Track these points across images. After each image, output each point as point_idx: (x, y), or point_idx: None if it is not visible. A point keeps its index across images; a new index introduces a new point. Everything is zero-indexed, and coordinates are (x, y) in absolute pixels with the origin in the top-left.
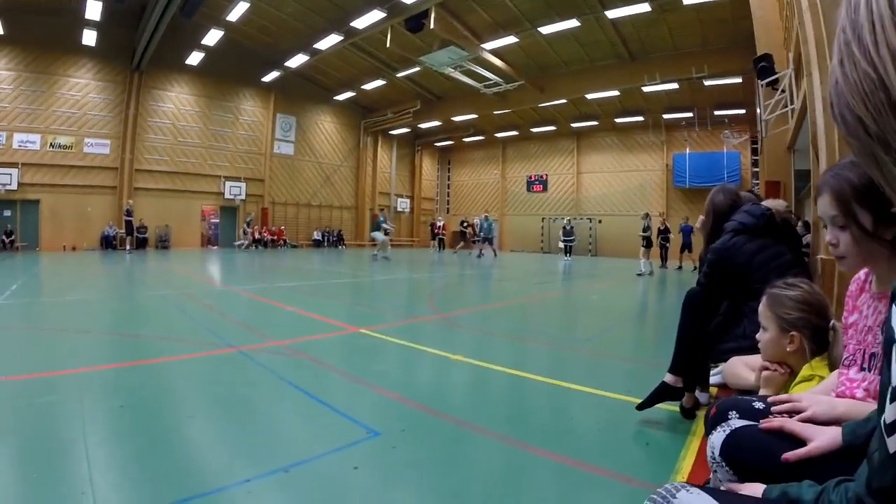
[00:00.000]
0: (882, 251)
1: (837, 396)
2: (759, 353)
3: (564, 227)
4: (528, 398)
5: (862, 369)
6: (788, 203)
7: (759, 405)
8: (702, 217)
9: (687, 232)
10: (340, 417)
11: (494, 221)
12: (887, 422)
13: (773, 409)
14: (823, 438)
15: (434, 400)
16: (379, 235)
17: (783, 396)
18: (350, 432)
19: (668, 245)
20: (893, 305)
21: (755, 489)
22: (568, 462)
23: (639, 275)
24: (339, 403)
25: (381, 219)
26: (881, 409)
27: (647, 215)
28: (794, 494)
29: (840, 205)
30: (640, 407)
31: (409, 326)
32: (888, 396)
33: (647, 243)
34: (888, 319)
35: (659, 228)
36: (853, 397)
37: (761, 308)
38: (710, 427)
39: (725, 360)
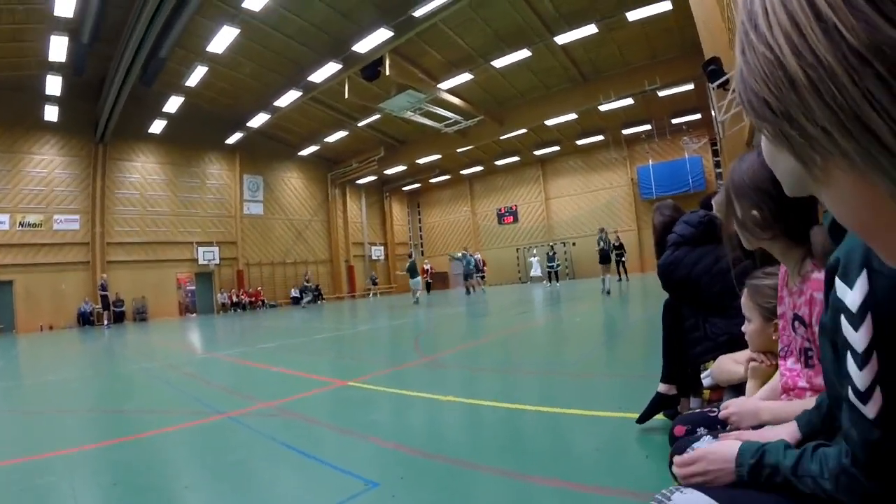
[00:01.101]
0: (772, 246)
1: (782, 388)
2: (730, 351)
3: (548, 254)
4: (522, 428)
5: (798, 361)
6: None
7: (712, 414)
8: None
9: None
10: (337, 472)
11: (470, 255)
12: (861, 390)
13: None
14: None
15: (429, 443)
16: (418, 282)
17: (726, 404)
18: (348, 486)
19: (623, 260)
20: (836, 279)
21: (732, 445)
22: (570, 486)
23: (606, 293)
24: (334, 458)
25: (413, 262)
26: (835, 387)
27: (601, 230)
28: (772, 460)
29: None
30: (640, 421)
31: (396, 374)
32: (856, 364)
33: (602, 259)
34: (832, 293)
35: (613, 244)
36: (796, 386)
37: (743, 300)
38: (677, 450)
39: (702, 365)
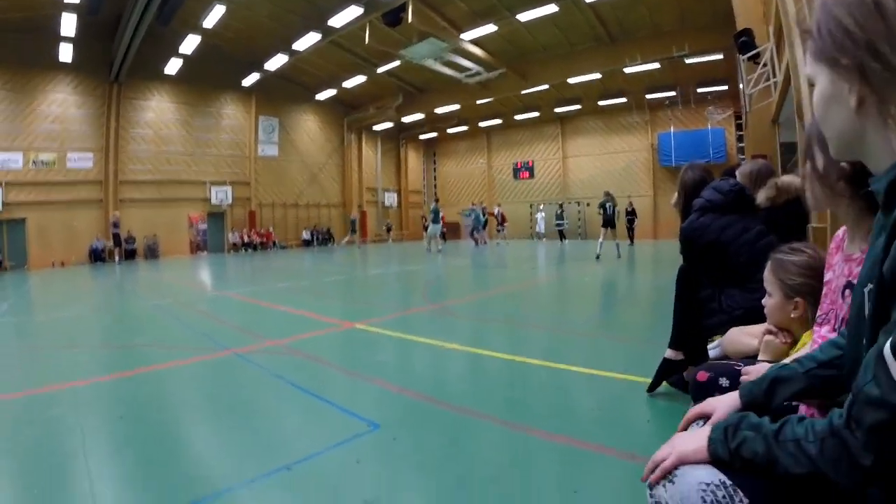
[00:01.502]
0: (849, 207)
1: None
2: (743, 324)
3: (556, 213)
4: (526, 382)
5: (834, 329)
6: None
7: (738, 367)
8: (675, 195)
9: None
10: (340, 412)
11: (480, 209)
12: None
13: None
14: (722, 407)
15: (433, 389)
16: (437, 229)
17: (747, 369)
18: (350, 427)
19: (633, 226)
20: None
21: (703, 430)
22: (571, 442)
23: (597, 257)
24: (337, 398)
25: (436, 209)
26: (858, 345)
27: (607, 194)
28: (754, 421)
29: None
30: (650, 389)
31: (402, 318)
32: None
33: (605, 222)
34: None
35: (626, 210)
36: None
37: (766, 273)
38: (697, 393)
39: (711, 336)
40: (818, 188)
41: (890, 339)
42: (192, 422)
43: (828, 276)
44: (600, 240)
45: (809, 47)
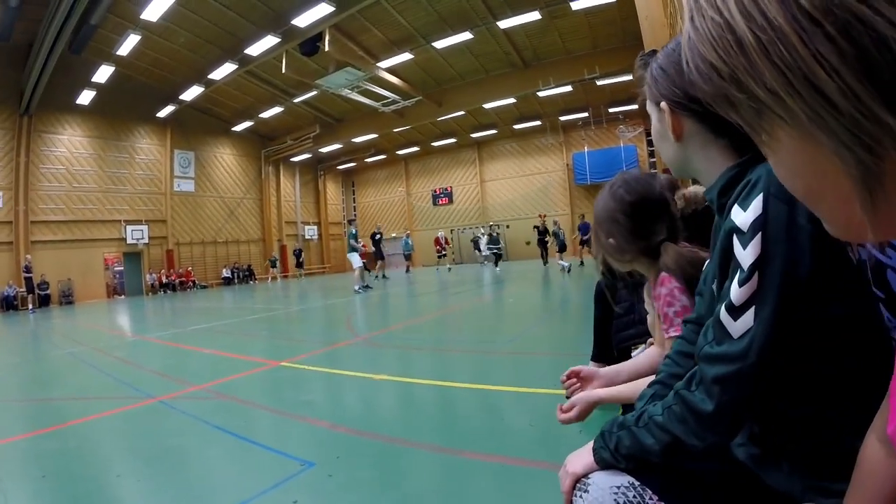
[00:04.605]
0: (634, 266)
1: None
2: None
3: (491, 235)
4: (456, 406)
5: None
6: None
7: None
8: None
9: (584, 229)
10: (272, 454)
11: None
12: (735, 304)
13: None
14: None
15: (364, 422)
16: (356, 259)
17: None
18: (284, 467)
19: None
20: (734, 207)
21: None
22: (505, 461)
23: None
24: (268, 440)
25: (353, 232)
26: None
27: (555, 223)
28: (619, 421)
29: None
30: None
31: (330, 353)
32: (737, 282)
33: (560, 247)
34: (725, 221)
35: (538, 228)
36: None
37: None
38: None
39: (632, 346)
40: (610, 259)
41: (723, 304)
42: (120, 476)
43: (650, 318)
44: (562, 261)
45: (645, 92)
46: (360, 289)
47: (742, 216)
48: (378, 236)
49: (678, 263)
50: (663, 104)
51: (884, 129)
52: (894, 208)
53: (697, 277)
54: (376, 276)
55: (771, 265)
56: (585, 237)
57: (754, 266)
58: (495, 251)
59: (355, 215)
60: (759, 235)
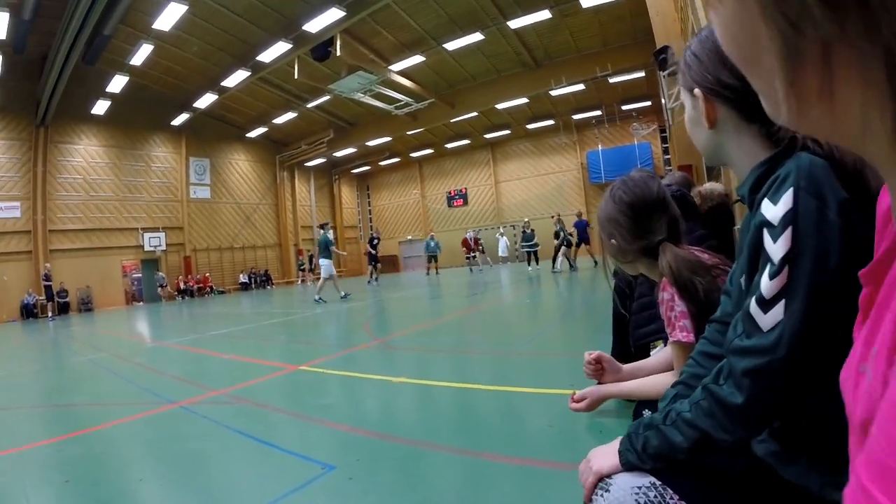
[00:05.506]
0: (638, 266)
1: None
2: None
3: (524, 232)
4: (476, 408)
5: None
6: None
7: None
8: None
9: (581, 227)
10: (293, 457)
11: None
12: (766, 297)
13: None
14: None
15: (383, 425)
16: (327, 266)
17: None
18: (305, 471)
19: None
20: (763, 201)
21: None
22: (527, 462)
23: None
24: (289, 443)
25: (328, 237)
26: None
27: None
28: (646, 421)
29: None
30: None
31: (348, 356)
32: (769, 275)
33: (568, 244)
34: (756, 215)
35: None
36: None
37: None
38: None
39: (651, 344)
40: (615, 262)
41: (753, 297)
42: (143, 480)
43: (661, 311)
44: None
45: (679, 79)
46: (320, 299)
47: (772, 210)
48: (376, 241)
49: (675, 264)
50: (697, 91)
51: (804, 4)
52: (812, 91)
53: (693, 282)
54: (369, 281)
55: (801, 259)
56: (581, 237)
57: (784, 259)
58: (529, 248)
59: (371, 219)
60: (789, 229)
